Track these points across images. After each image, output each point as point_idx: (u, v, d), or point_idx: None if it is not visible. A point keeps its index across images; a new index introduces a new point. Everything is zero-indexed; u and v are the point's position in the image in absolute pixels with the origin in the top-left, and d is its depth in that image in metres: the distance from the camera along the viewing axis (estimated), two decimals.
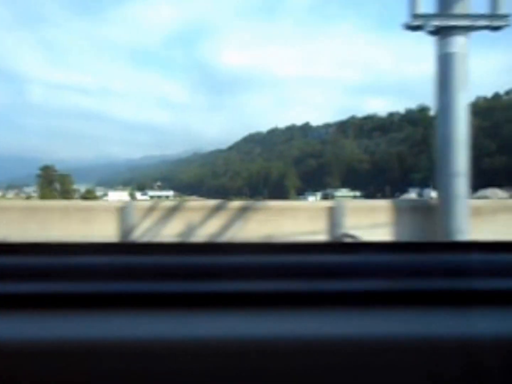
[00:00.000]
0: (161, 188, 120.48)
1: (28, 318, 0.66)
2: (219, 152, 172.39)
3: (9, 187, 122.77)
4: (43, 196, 58.10)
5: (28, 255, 0.79)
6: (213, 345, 0.61)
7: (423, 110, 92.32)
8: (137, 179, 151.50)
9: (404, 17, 6.57)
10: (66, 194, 62.30)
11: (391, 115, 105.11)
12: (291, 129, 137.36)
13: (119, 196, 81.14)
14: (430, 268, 0.75)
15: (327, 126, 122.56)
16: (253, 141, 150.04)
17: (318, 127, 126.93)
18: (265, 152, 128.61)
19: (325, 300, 0.69)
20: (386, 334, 0.63)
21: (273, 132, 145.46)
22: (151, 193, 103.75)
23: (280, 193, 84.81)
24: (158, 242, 0.88)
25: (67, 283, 0.71)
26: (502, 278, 0.73)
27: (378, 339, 0.62)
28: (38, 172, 65.83)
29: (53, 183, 64.12)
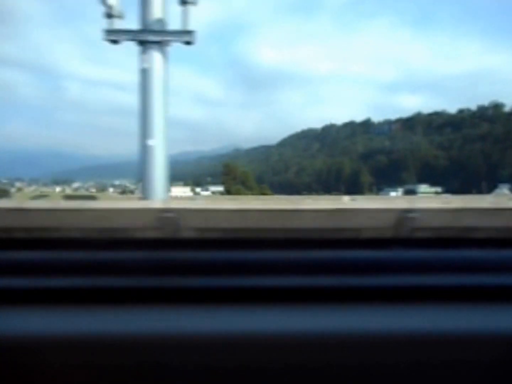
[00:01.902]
0: (210, 183, 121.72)
1: (36, 312, 0.65)
2: (264, 148, 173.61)
3: (54, 182, 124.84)
4: (232, 192, 58.65)
5: (35, 250, 0.78)
6: (228, 340, 0.61)
7: (497, 106, 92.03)
8: (179, 175, 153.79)
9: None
10: (251, 190, 63.64)
11: (461, 111, 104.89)
12: (350, 125, 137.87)
13: (182, 192, 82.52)
14: (450, 264, 0.75)
15: (389, 122, 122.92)
16: (307, 137, 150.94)
17: (379, 124, 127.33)
18: (325, 149, 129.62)
19: (341, 296, 0.69)
20: (399, 329, 0.62)
21: (330, 128, 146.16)
22: (212, 188, 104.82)
23: (355, 188, 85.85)
24: (167, 238, 0.85)
25: (73, 278, 0.71)
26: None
27: (391, 334, 0.61)
28: (222, 169, 67.29)
29: (236, 179, 65.91)
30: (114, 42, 7.44)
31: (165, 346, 0.60)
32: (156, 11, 7.29)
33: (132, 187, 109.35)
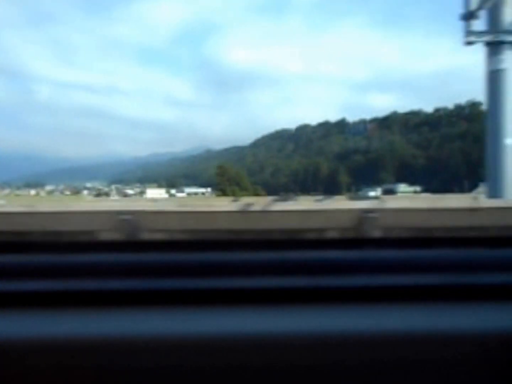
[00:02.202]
0: (184, 185, 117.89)
1: (34, 315, 0.64)
2: (237, 149, 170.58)
3: (27, 185, 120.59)
4: (228, 193, 55.72)
5: (33, 253, 0.76)
6: (220, 341, 0.60)
7: (474, 105, 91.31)
8: (151, 176, 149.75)
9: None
10: (245, 191, 60.78)
11: (437, 110, 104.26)
12: (324, 125, 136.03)
13: (158, 194, 79.21)
14: (437, 263, 0.73)
15: (364, 122, 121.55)
16: (282, 138, 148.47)
17: (354, 123, 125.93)
18: (299, 149, 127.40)
19: (332, 296, 0.68)
20: (391, 329, 0.62)
21: (304, 128, 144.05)
22: (187, 190, 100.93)
23: (333, 188, 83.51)
24: (161, 240, 0.82)
25: (72, 281, 0.69)
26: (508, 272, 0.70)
27: (380, 334, 0.61)
28: (216, 171, 65.31)
29: (230, 180, 63.80)
30: (470, 43, 7.44)
31: (158, 348, 0.59)
32: (509, 11, 7.45)
33: (105, 189, 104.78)
